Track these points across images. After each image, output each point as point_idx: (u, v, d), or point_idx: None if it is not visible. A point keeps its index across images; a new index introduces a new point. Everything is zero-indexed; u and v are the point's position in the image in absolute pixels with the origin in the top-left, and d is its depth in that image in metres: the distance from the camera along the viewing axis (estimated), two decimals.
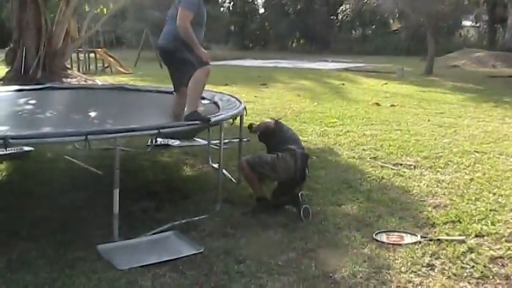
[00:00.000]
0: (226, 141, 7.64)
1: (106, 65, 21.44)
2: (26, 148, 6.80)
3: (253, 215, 4.74)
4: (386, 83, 17.40)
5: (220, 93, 6.67)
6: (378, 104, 12.21)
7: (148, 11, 28.78)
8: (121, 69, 20.53)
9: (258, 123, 5.61)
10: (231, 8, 44.91)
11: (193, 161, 6.83)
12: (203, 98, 5.94)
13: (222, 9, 43.43)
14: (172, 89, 5.51)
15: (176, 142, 7.36)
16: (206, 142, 6.93)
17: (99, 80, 15.58)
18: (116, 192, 4.07)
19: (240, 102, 5.70)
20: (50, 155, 6.91)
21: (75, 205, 4.98)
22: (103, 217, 4.64)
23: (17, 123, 5.26)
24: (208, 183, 5.91)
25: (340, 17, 34.21)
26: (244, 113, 5.80)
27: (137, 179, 5.95)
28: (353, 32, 43.54)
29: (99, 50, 21.77)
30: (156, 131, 4.20)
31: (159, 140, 7.16)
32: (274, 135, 5.17)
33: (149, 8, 27.96)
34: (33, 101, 6.61)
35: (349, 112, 10.95)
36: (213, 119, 4.78)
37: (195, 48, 4.84)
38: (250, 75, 19.03)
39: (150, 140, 7.16)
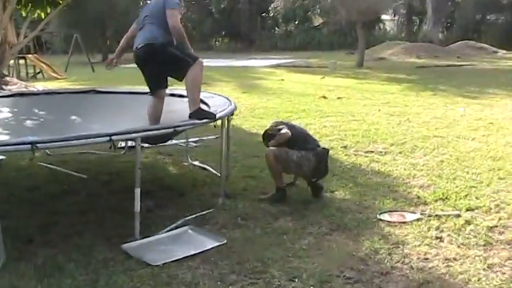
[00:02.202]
0: (196, 139, 7.84)
1: (38, 71, 20.88)
2: None
3: (270, 203, 5.00)
4: (323, 77, 17.94)
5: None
6: (325, 97, 12.62)
7: (76, 15, 28.04)
8: (54, 75, 20.08)
9: (271, 132, 5.32)
10: None
11: (171, 160, 6.92)
12: (182, 96, 6.02)
13: None
14: (149, 91, 5.29)
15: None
16: (176, 142, 7.04)
17: (39, 86, 15.19)
18: (137, 191, 4.16)
19: (230, 101, 5.81)
20: (23, 163, 6.81)
21: (76, 209, 5.00)
22: (112, 218, 4.73)
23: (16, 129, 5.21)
24: (196, 179, 6.04)
25: (272, 14, 34.63)
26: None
27: (125, 180, 5.97)
28: (276, 29, 44.26)
29: (30, 55, 21.17)
30: (172, 130, 4.29)
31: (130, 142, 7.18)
32: (293, 140, 5.18)
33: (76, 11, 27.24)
34: (13, 109, 6.51)
35: (300, 106, 11.30)
36: (217, 115, 4.89)
37: (186, 45, 4.87)
38: None
39: (124, 142, 7.15)
